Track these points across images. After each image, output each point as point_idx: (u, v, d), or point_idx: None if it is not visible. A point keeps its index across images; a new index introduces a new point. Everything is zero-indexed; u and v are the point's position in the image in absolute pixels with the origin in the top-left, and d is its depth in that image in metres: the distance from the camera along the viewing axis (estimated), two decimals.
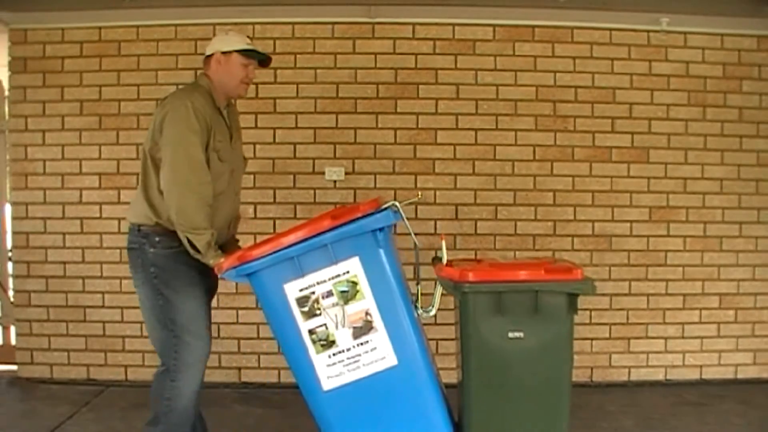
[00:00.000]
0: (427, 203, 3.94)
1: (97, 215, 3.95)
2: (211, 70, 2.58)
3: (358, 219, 2.24)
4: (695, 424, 3.37)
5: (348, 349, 2.28)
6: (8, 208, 4.12)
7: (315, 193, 3.92)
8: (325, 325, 2.27)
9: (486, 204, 3.95)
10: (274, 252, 2.23)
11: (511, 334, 2.33)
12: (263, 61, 2.65)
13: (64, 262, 3.96)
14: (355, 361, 2.28)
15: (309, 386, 2.31)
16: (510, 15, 3.91)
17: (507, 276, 2.35)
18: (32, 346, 3.99)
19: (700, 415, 3.49)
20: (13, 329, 4.12)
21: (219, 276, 2.36)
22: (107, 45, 3.93)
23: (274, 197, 3.93)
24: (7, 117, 4.05)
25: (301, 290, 2.26)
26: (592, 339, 3.98)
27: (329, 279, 2.26)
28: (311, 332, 2.27)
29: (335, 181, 3.91)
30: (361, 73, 3.93)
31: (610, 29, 3.96)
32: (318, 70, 3.91)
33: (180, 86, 3.83)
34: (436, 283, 2.55)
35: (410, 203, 2.53)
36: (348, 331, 2.27)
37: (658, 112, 3.99)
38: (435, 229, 3.92)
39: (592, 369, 4.00)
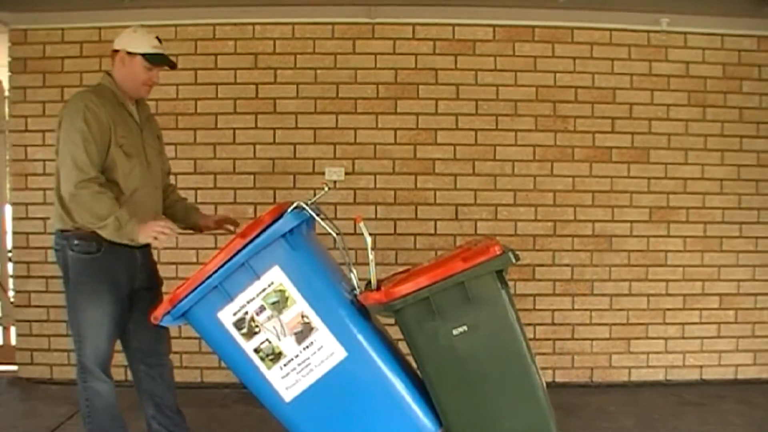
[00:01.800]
0: (427, 203, 3.94)
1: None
2: (114, 67, 2.55)
3: (266, 229, 2.24)
4: (695, 424, 3.37)
5: (296, 356, 2.29)
6: (8, 208, 4.12)
7: (315, 194, 3.91)
8: (267, 339, 2.28)
9: (486, 204, 3.95)
10: (198, 285, 2.25)
11: (455, 332, 2.31)
12: (171, 65, 2.63)
13: None
14: (307, 365, 2.29)
15: (272, 402, 2.32)
16: (510, 15, 3.91)
17: (430, 279, 2.31)
18: (32, 346, 3.99)
19: (700, 415, 3.49)
20: (13, 329, 4.12)
21: (156, 324, 2.33)
22: (107, 45, 3.85)
23: (274, 197, 3.93)
24: (7, 117, 4.06)
25: (234, 314, 2.27)
26: (592, 339, 3.98)
27: (257, 295, 2.27)
28: (257, 350, 2.29)
29: (335, 181, 3.91)
30: (361, 73, 3.93)
31: (610, 29, 3.96)
32: (318, 71, 3.92)
33: (178, 89, 3.86)
34: (370, 258, 2.43)
35: (318, 197, 2.49)
36: (291, 338, 2.28)
37: (658, 113, 3.99)
38: (435, 229, 3.92)
39: (592, 369, 4.00)
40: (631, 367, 4.01)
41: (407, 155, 3.94)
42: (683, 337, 4.01)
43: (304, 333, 2.29)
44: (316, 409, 2.30)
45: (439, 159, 3.95)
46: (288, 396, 2.30)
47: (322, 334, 2.28)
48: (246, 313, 2.27)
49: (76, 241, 2.47)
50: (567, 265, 3.96)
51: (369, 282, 2.48)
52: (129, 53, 2.51)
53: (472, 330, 2.30)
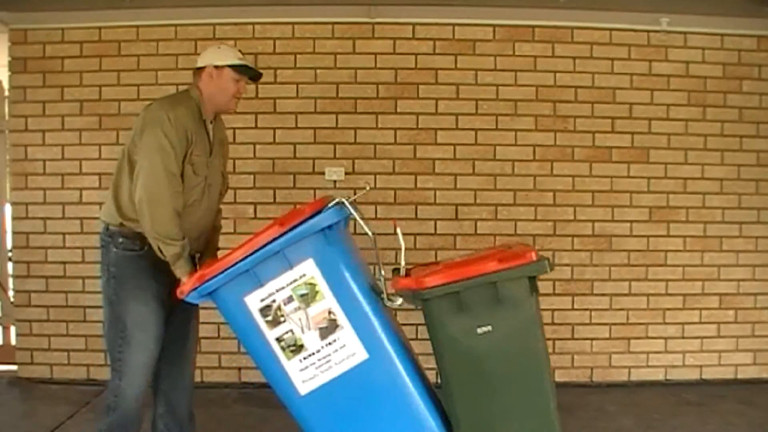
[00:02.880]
0: (427, 203, 3.94)
1: (97, 215, 3.90)
2: (202, 82, 2.55)
3: (305, 220, 2.23)
4: (695, 424, 3.37)
5: (317, 351, 2.28)
6: (8, 208, 4.12)
7: (315, 193, 3.92)
8: (291, 330, 2.27)
9: (486, 204, 3.95)
10: (230, 267, 2.24)
11: (479, 330, 2.32)
12: (255, 77, 2.65)
13: (64, 262, 3.96)
14: (327, 362, 2.28)
15: (286, 393, 2.32)
16: (510, 15, 3.91)
17: (462, 274, 2.33)
18: (32, 346, 3.99)
19: (700, 415, 3.49)
20: (13, 329, 4.12)
21: (182, 299, 2.34)
22: (107, 45, 3.93)
23: (274, 197, 3.93)
24: (7, 117, 4.05)
25: (262, 300, 2.26)
26: (592, 339, 3.98)
27: (287, 284, 2.26)
28: (279, 340, 2.28)
29: (335, 181, 3.91)
30: (361, 73, 3.93)
31: (610, 29, 3.96)
32: (318, 70, 3.92)
33: (178, 89, 3.86)
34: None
35: (358, 195, 2.52)
36: (314, 333, 2.27)
37: (658, 112, 3.99)
38: (435, 229, 3.92)
39: (592, 369, 4.00)
40: (631, 367, 4.01)
41: (407, 155, 3.94)
42: (683, 337, 4.02)
43: (328, 329, 2.27)
44: (329, 406, 2.29)
45: (439, 159, 3.95)
46: (303, 389, 2.29)
47: (346, 333, 2.27)
48: (273, 301, 2.26)
49: (120, 239, 2.48)
50: (567, 265, 3.96)
51: (396, 269, 2.50)
52: (216, 67, 2.52)
53: (496, 331, 2.31)
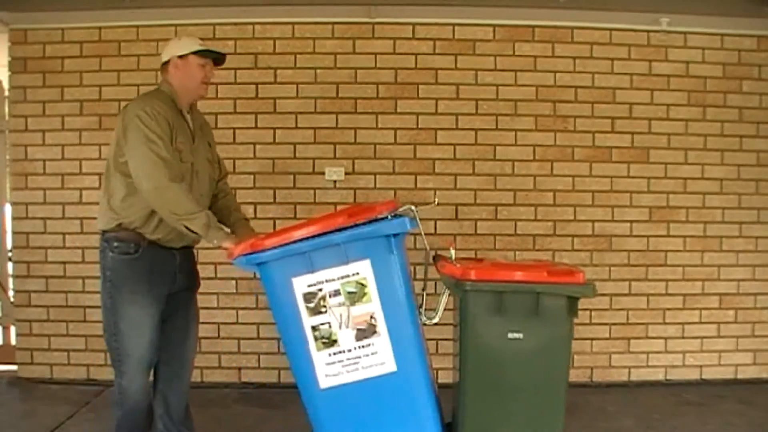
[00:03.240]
0: (428, 203, 3.93)
1: (97, 215, 3.94)
2: (170, 75, 2.60)
3: (374, 221, 2.22)
4: (695, 424, 3.37)
5: (349, 350, 2.27)
6: (8, 208, 4.12)
7: (315, 193, 3.92)
8: (329, 323, 2.27)
9: (486, 204, 3.95)
10: (287, 244, 2.22)
11: (510, 335, 2.33)
12: (219, 60, 2.66)
13: (64, 262, 3.96)
14: (355, 363, 2.28)
15: (306, 382, 2.31)
16: (510, 15, 3.91)
17: (508, 276, 2.35)
18: (32, 346, 3.99)
19: (700, 415, 3.49)
20: (13, 329, 4.12)
21: (230, 261, 2.33)
22: (107, 45, 3.93)
23: (274, 197, 3.93)
24: (7, 117, 4.05)
25: (309, 286, 2.25)
26: (592, 339, 3.98)
27: (338, 278, 2.25)
28: (314, 329, 2.27)
29: (335, 181, 3.91)
30: (361, 73, 3.93)
31: (610, 29, 3.96)
32: (318, 70, 3.92)
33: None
34: (444, 291, 2.54)
35: (427, 207, 2.54)
36: (351, 332, 2.27)
37: (658, 112, 3.99)
38: (435, 229, 3.92)
39: (592, 369, 4.00)
40: (631, 367, 4.01)
41: (407, 155, 3.94)
42: (683, 337, 4.02)
43: (366, 332, 2.27)
44: (344, 406, 2.29)
45: (439, 159, 3.95)
46: (324, 383, 2.29)
47: (382, 341, 2.27)
48: (320, 290, 2.25)
49: (116, 243, 2.52)
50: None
51: (439, 255, 2.58)
52: (180, 57, 2.58)
53: (526, 340, 2.32)
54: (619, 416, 3.46)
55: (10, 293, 4.19)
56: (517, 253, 3.93)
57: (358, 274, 2.24)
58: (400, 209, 2.32)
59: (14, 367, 4.03)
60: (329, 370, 2.28)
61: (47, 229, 3.96)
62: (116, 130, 2.49)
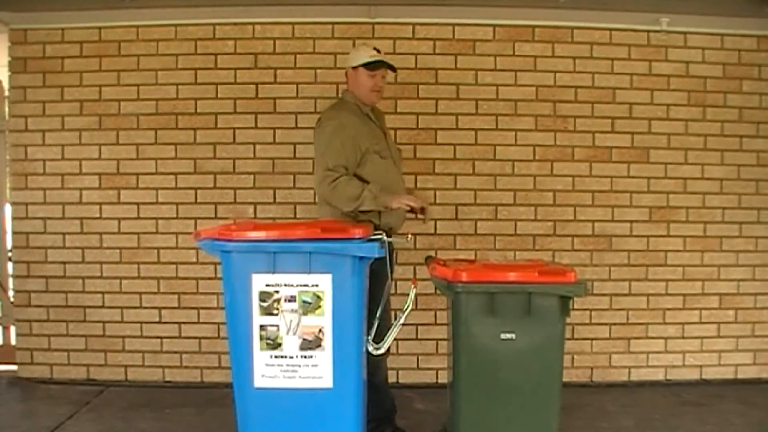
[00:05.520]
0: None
1: (97, 215, 3.95)
2: (348, 83, 3.01)
3: (345, 240, 2.27)
4: (695, 424, 3.37)
5: (291, 357, 2.31)
6: (8, 208, 4.11)
7: (315, 194, 3.92)
8: (277, 326, 2.30)
9: (486, 204, 3.95)
10: (254, 241, 2.26)
11: (503, 335, 2.33)
12: (392, 67, 2.96)
13: (64, 262, 3.96)
14: (293, 371, 2.31)
15: (241, 379, 2.34)
16: (510, 15, 3.91)
17: (500, 277, 2.34)
18: (32, 346, 3.99)
19: (700, 415, 3.49)
20: (13, 329, 4.12)
21: (194, 242, 2.40)
22: (107, 45, 3.93)
23: (274, 197, 3.93)
24: (7, 117, 4.05)
25: (267, 285, 2.29)
26: (592, 339, 3.98)
27: (297, 285, 2.29)
28: (262, 328, 2.31)
29: None
30: None
31: (610, 29, 3.96)
32: (318, 70, 3.91)
33: (178, 89, 3.88)
34: (396, 322, 2.49)
35: (397, 242, 2.63)
36: (297, 340, 2.30)
37: (658, 112, 3.99)
38: (435, 229, 3.91)
39: (592, 369, 4.00)
40: (631, 367, 4.01)
41: (407, 155, 3.92)
42: (683, 337, 4.01)
43: (311, 344, 2.31)
44: (274, 410, 2.32)
45: (439, 159, 3.94)
46: (259, 383, 2.32)
47: (325, 357, 2.30)
48: (277, 291, 2.29)
49: None
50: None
51: (431, 256, 2.67)
52: (353, 68, 2.94)
53: (519, 340, 2.32)
54: (619, 416, 3.46)
55: (10, 293, 4.19)
56: (517, 253, 3.93)
57: (317, 286, 2.28)
58: (374, 235, 2.36)
59: (14, 367, 4.03)
60: (267, 371, 2.31)
61: (47, 229, 3.96)
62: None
